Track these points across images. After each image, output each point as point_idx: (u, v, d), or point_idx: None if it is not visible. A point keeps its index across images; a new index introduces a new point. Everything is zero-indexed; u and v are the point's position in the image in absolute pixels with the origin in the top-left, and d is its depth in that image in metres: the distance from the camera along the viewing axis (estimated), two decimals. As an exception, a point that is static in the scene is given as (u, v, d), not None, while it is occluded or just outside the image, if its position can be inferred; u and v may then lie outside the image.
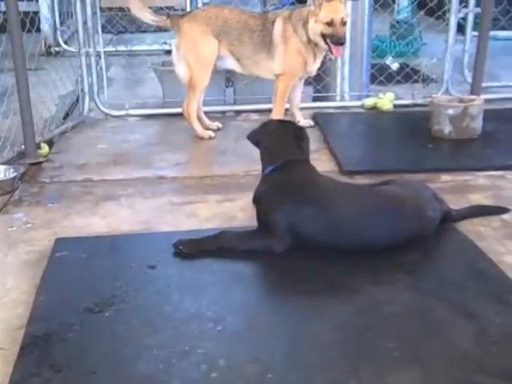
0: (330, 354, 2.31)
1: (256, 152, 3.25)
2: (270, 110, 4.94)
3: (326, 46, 4.56)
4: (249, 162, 4.06)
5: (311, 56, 4.69)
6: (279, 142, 3.18)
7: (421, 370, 2.20)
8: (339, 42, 4.49)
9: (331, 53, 4.61)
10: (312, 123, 5.05)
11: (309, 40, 4.59)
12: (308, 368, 2.23)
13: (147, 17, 4.83)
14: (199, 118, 4.92)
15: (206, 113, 5.07)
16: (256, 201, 3.09)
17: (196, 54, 4.66)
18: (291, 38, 4.62)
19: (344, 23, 4.48)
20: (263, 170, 3.18)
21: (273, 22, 4.65)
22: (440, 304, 2.56)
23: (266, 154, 3.19)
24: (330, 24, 4.44)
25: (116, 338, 2.39)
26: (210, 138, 4.81)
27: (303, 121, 5.02)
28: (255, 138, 3.28)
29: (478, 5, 5.53)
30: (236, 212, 3.49)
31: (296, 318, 2.52)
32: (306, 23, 4.55)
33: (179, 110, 4.90)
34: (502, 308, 2.55)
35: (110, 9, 8.07)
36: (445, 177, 3.91)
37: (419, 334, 2.38)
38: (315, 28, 4.51)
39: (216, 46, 4.67)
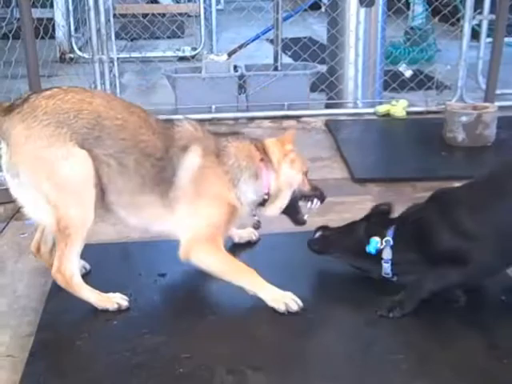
0: (337, 365, 2.30)
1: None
2: (283, 117, 4.92)
3: None
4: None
5: None
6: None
7: (429, 383, 2.18)
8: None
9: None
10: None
11: None
12: (315, 379, 2.22)
13: None
14: None
15: (218, 120, 5.04)
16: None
17: (54, 178, 2.54)
18: None
19: None
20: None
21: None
22: (450, 316, 2.54)
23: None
24: None
25: (125, 347, 2.39)
26: (120, 308, 2.65)
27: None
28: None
29: (492, 11, 5.50)
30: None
31: (303, 328, 2.51)
32: None
33: (192, 116, 4.86)
34: (513, 320, 2.53)
35: (124, 15, 8.10)
36: (457, 185, 3.87)
37: (428, 346, 2.36)
38: None
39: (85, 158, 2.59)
